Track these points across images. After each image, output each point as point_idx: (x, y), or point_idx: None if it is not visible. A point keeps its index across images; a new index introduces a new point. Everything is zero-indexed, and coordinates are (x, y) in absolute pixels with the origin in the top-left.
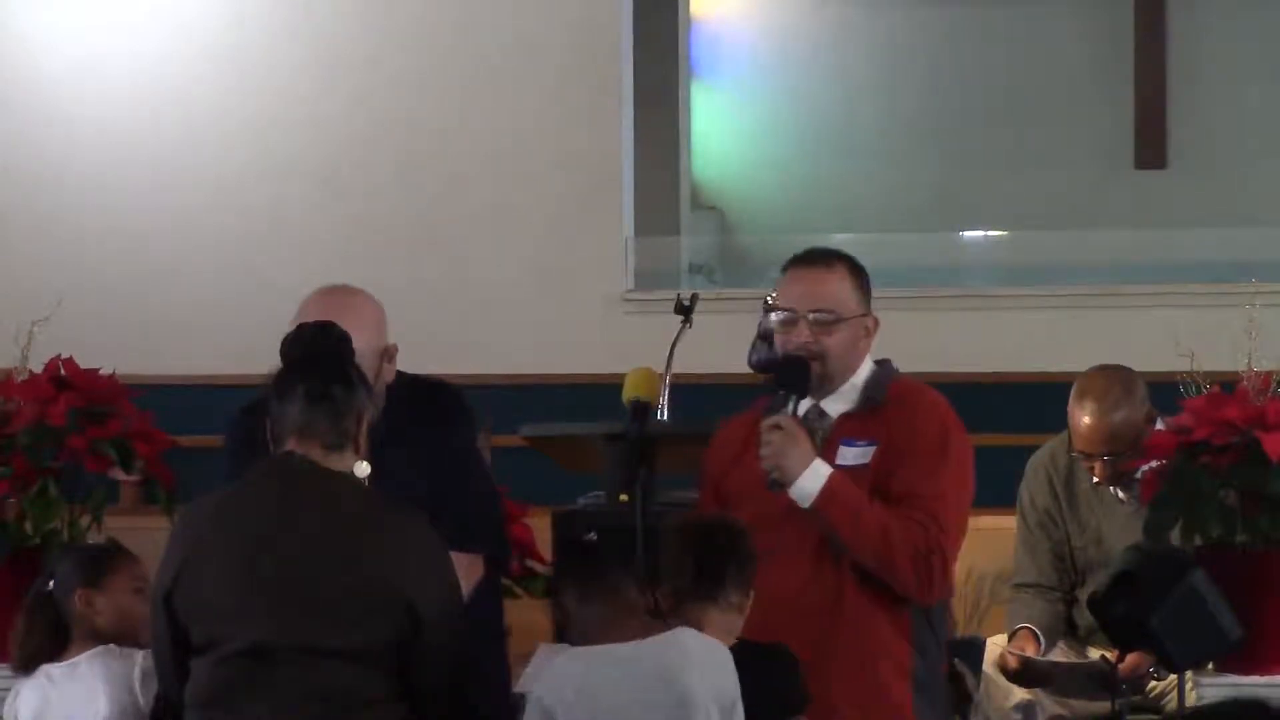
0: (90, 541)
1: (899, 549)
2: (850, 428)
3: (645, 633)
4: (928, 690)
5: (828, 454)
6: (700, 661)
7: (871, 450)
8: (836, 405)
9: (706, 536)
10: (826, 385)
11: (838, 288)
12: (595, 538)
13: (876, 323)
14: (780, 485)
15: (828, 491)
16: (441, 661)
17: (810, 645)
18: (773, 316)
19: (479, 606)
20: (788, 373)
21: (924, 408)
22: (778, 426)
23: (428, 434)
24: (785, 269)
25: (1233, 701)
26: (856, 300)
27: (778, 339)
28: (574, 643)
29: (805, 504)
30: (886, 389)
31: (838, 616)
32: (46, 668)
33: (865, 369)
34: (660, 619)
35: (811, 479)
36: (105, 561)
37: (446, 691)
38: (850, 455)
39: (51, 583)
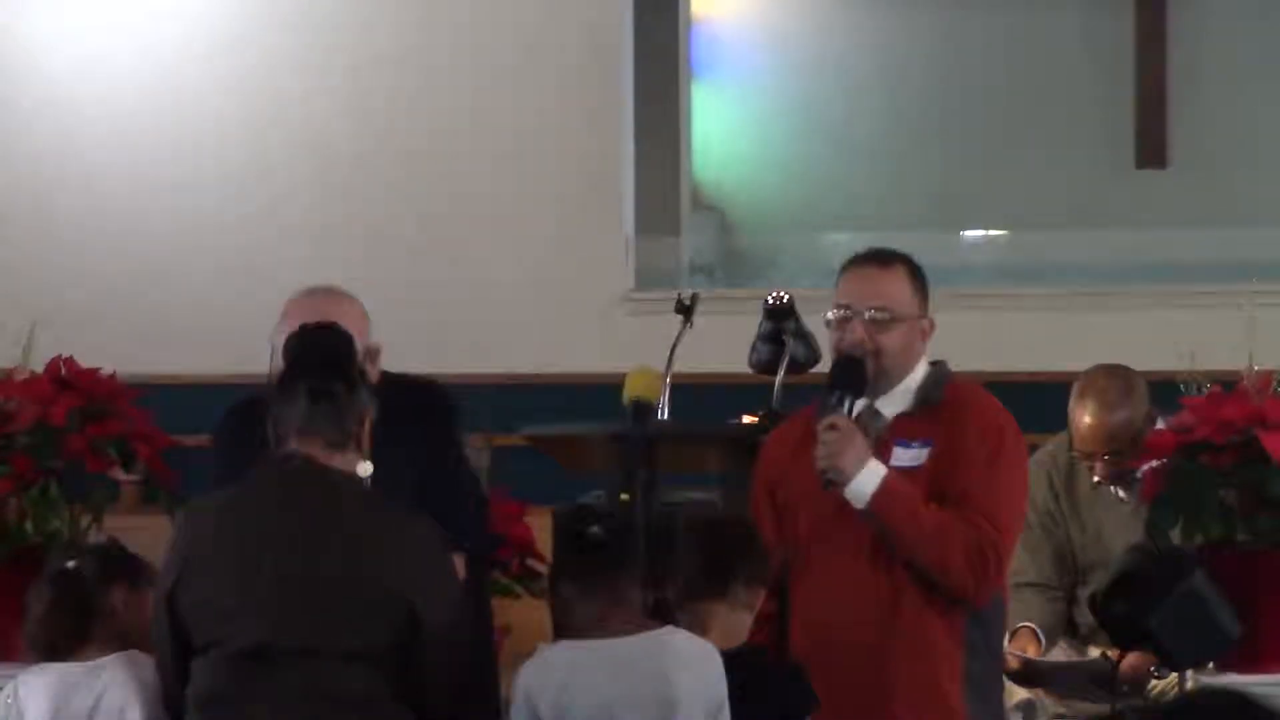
0: (92, 542)
1: (954, 548)
2: (905, 429)
3: (637, 630)
4: (981, 691)
5: (881, 455)
6: (688, 663)
7: (926, 451)
8: (891, 406)
9: (717, 534)
10: (881, 385)
11: (895, 287)
12: (600, 532)
13: (933, 325)
14: (836, 485)
15: (883, 491)
16: (443, 662)
17: (866, 647)
18: (829, 314)
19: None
20: (843, 373)
21: (979, 409)
22: (833, 426)
23: (414, 432)
24: (844, 268)
25: (1212, 692)
26: (914, 301)
27: (833, 337)
28: (570, 636)
29: (860, 504)
30: (942, 390)
31: (894, 618)
32: (59, 666)
33: (920, 370)
34: (661, 618)
35: (867, 479)
36: (145, 569)
37: (448, 691)
38: (905, 456)
39: (73, 563)
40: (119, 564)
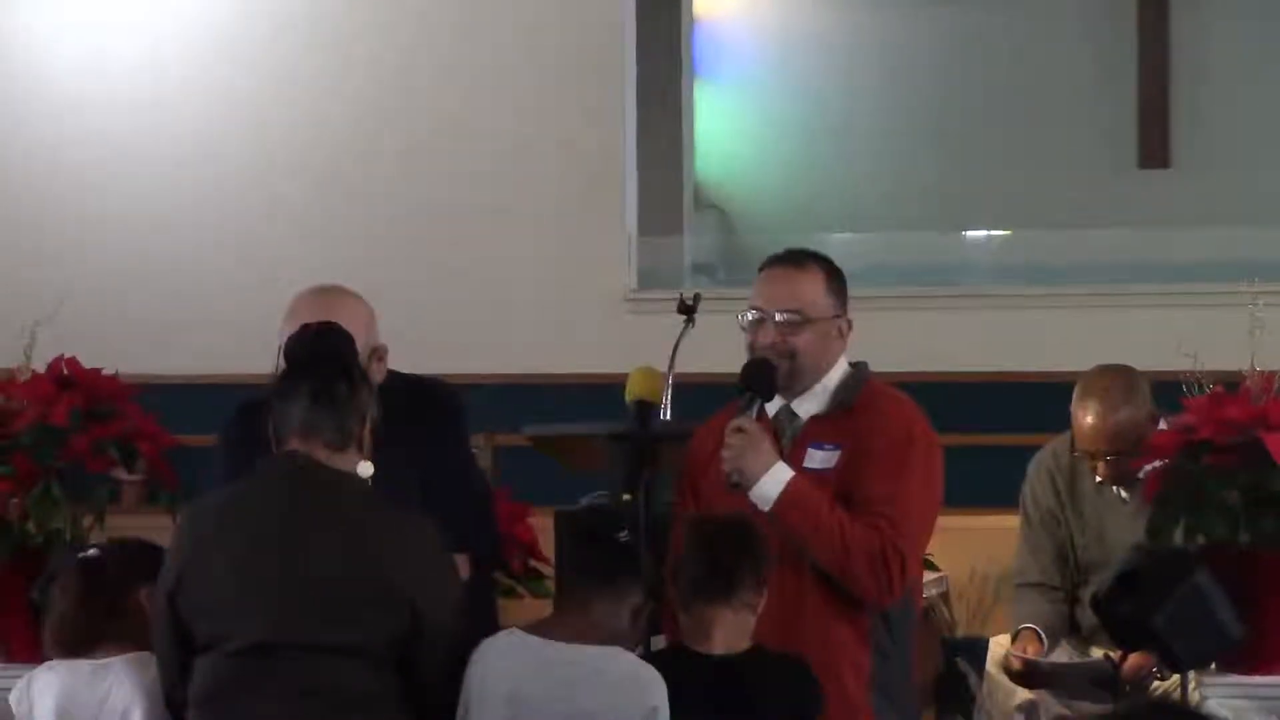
0: (93, 543)
1: (856, 552)
2: (819, 430)
3: (591, 641)
4: (893, 697)
5: (796, 456)
6: (617, 683)
7: (837, 454)
8: (807, 407)
9: (720, 535)
10: (796, 386)
11: (809, 288)
12: (627, 536)
13: (850, 325)
14: (741, 488)
15: (787, 495)
16: (443, 659)
17: (774, 647)
18: (745, 316)
19: (471, 604)
20: (752, 375)
21: (889, 412)
22: (740, 429)
23: (420, 432)
24: (759, 269)
25: (1153, 706)
26: (828, 302)
27: (747, 339)
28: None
29: (764, 507)
30: (858, 392)
31: (799, 620)
32: (68, 664)
33: (838, 371)
34: (652, 628)
35: (771, 483)
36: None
37: (447, 689)
38: (817, 458)
39: (94, 550)
40: (148, 562)
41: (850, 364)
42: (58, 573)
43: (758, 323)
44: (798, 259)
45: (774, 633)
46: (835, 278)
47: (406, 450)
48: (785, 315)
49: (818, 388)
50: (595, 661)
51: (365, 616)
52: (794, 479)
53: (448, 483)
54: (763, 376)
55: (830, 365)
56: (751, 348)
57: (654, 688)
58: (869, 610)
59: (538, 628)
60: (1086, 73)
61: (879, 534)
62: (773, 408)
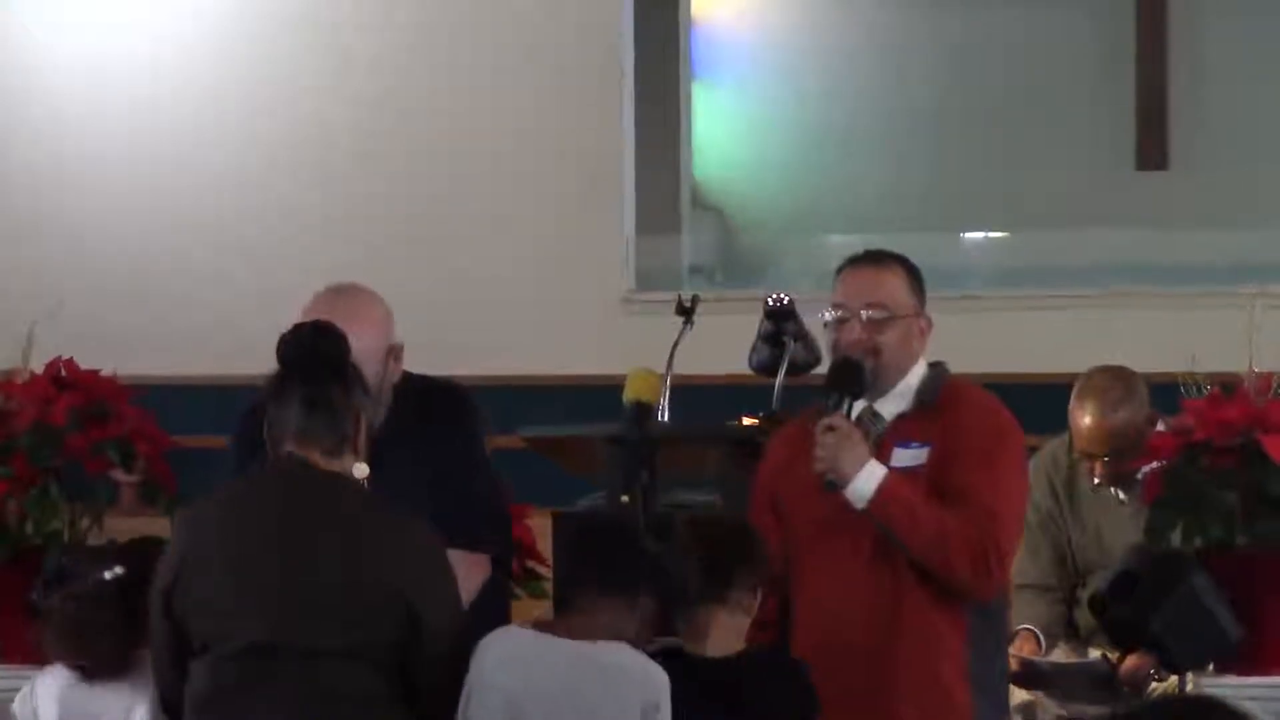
0: (92, 543)
1: (955, 545)
2: (904, 429)
3: (595, 637)
4: (988, 690)
5: (881, 456)
6: (616, 678)
7: (925, 452)
8: (890, 407)
9: (716, 537)
10: (880, 385)
11: (892, 286)
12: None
13: (930, 324)
14: (836, 486)
15: (883, 491)
16: (441, 662)
17: (869, 648)
18: (826, 315)
19: (485, 605)
20: (841, 374)
21: (977, 407)
22: (831, 428)
23: (435, 433)
24: (840, 269)
25: (1184, 697)
26: (910, 300)
27: (831, 338)
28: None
29: (860, 505)
30: (939, 390)
31: (897, 619)
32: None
33: (919, 370)
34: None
35: (867, 479)
36: None
37: (447, 692)
38: (905, 457)
39: (120, 569)
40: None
41: (928, 364)
42: (67, 585)
43: (842, 321)
44: (879, 258)
45: (873, 628)
46: (915, 276)
47: (418, 450)
48: (870, 312)
49: (901, 386)
50: (598, 655)
51: (363, 619)
52: (889, 476)
53: (463, 483)
54: (852, 375)
55: (912, 364)
56: (835, 346)
57: (656, 682)
58: (966, 605)
59: (540, 625)
60: (1085, 74)
61: (977, 528)
62: (855, 409)
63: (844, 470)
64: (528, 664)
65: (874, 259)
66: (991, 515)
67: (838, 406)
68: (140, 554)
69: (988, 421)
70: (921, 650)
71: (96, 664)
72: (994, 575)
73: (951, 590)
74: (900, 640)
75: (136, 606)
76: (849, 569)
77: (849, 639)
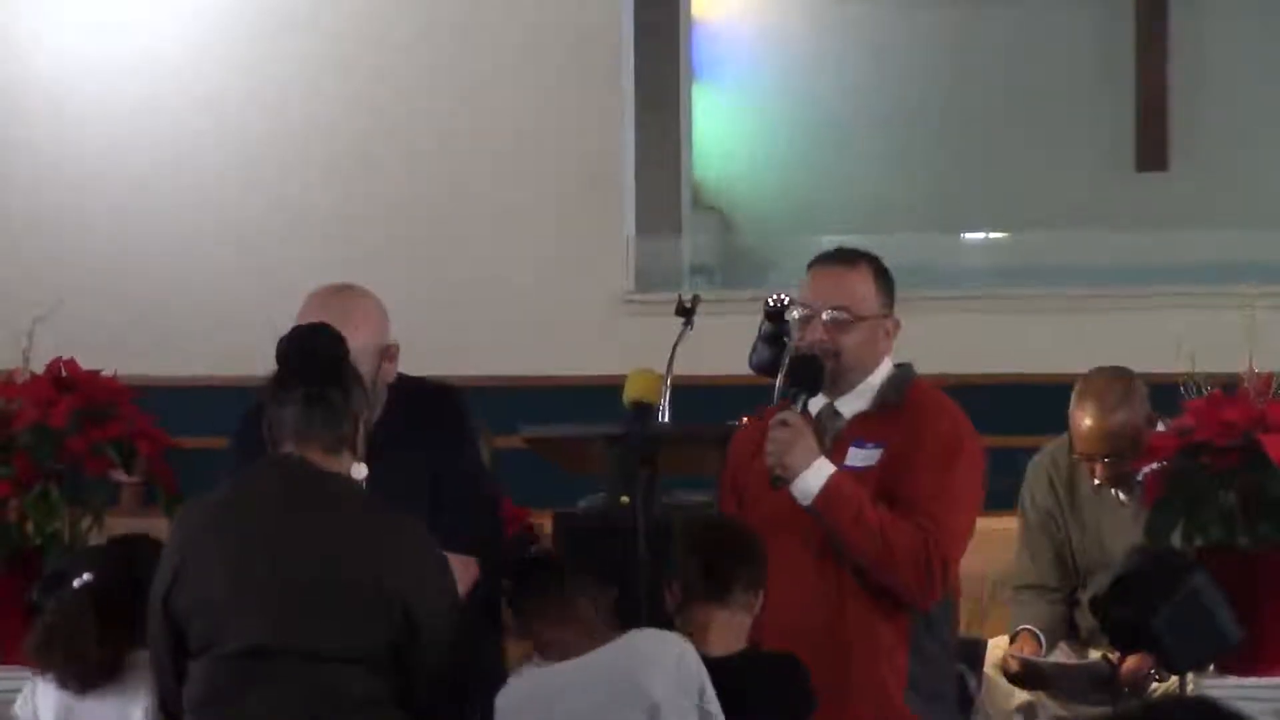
0: (93, 543)
1: (898, 551)
2: (862, 429)
3: (601, 640)
4: (928, 694)
5: (838, 454)
6: (656, 659)
7: (879, 453)
8: (851, 405)
9: (715, 537)
10: (841, 384)
11: (857, 287)
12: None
13: (897, 325)
14: (783, 481)
15: (829, 490)
16: (439, 663)
17: (818, 646)
18: (793, 313)
19: (477, 608)
20: (799, 370)
21: (934, 412)
22: (784, 423)
23: (429, 435)
24: (808, 267)
25: (1180, 699)
26: (876, 301)
27: (795, 336)
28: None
29: (805, 502)
30: (903, 392)
31: (841, 618)
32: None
33: (883, 370)
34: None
35: (814, 477)
36: None
37: (445, 693)
38: (859, 457)
39: (90, 575)
40: (149, 556)
41: (895, 364)
42: (55, 590)
43: (805, 320)
44: (847, 257)
45: (815, 632)
46: (883, 277)
47: (412, 452)
48: (833, 313)
49: (862, 386)
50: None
51: (360, 620)
52: (835, 474)
53: (456, 486)
54: (810, 372)
55: (875, 364)
56: (797, 345)
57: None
58: (909, 611)
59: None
60: (1085, 75)
61: (921, 534)
62: (815, 406)
63: (792, 466)
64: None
65: (841, 259)
66: (938, 524)
67: (793, 402)
68: (120, 556)
69: (944, 427)
70: (864, 650)
71: (77, 672)
72: (935, 584)
73: (891, 596)
74: (844, 639)
75: (120, 610)
76: (798, 566)
77: (798, 635)
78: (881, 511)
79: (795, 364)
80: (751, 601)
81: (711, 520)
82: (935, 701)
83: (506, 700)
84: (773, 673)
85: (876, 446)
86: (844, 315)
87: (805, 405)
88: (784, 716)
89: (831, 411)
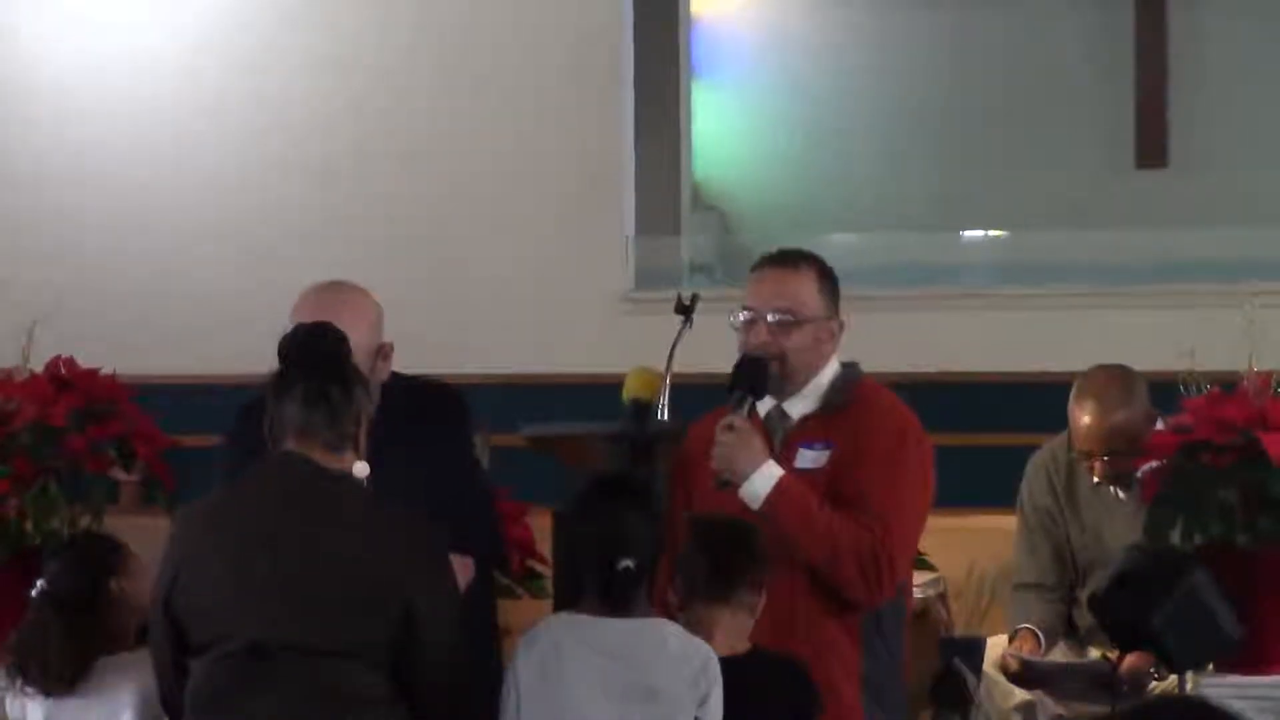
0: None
1: (845, 551)
2: (810, 430)
3: (639, 615)
4: (878, 693)
5: (786, 455)
6: (674, 655)
7: (827, 454)
8: (798, 407)
9: (720, 536)
10: (788, 386)
11: (801, 289)
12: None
13: (843, 326)
14: (731, 485)
15: (776, 493)
16: (440, 661)
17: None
18: (738, 316)
19: (472, 606)
20: (745, 373)
21: (881, 411)
22: (731, 427)
23: (425, 433)
24: (751, 269)
25: (1173, 699)
26: (821, 302)
27: (740, 339)
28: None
29: (754, 505)
30: (850, 392)
31: (790, 619)
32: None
33: (829, 371)
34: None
35: (761, 480)
36: (129, 557)
37: (446, 691)
38: (808, 458)
39: (42, 582)
40: (101, 557)
41: (842, 364)
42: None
43: (750, 323)
44: (790, 259)
45: (765, 631)
46: (828, 278)
47: (408, 451)
48: (777, 316)
49: (809, 388)
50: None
51: (362, 618)
52: (784, 477)
53: (451, 484)
54: (755, 375)
55: (822, 366)
56: (743, 348)
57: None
58: (859, 610)
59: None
60: (1084, 73)
61: (869, 534)
62: (764, 408)
63: (740, 470)
64: (581, 643)
65: (784, 261)
66: (885, 524)
67: (740, 406)
68: (77, 559)
69: (890, 427)
70: (814, 654)
71: (38, 679)
72: (882, 583)
73: (841, 596)
74: (793, 639)
75: (80, 615)
76: None
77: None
78: (829, 513)
79: (740, 366)
80: (755, 602)
81: (717, 519)
82: (885, 699)
83: (536, 636)
84: (777, 673)
85: (825, 447)
86: (788, 317)
87: (753, 408)
88: (788, 716)
89: (780, 413)
